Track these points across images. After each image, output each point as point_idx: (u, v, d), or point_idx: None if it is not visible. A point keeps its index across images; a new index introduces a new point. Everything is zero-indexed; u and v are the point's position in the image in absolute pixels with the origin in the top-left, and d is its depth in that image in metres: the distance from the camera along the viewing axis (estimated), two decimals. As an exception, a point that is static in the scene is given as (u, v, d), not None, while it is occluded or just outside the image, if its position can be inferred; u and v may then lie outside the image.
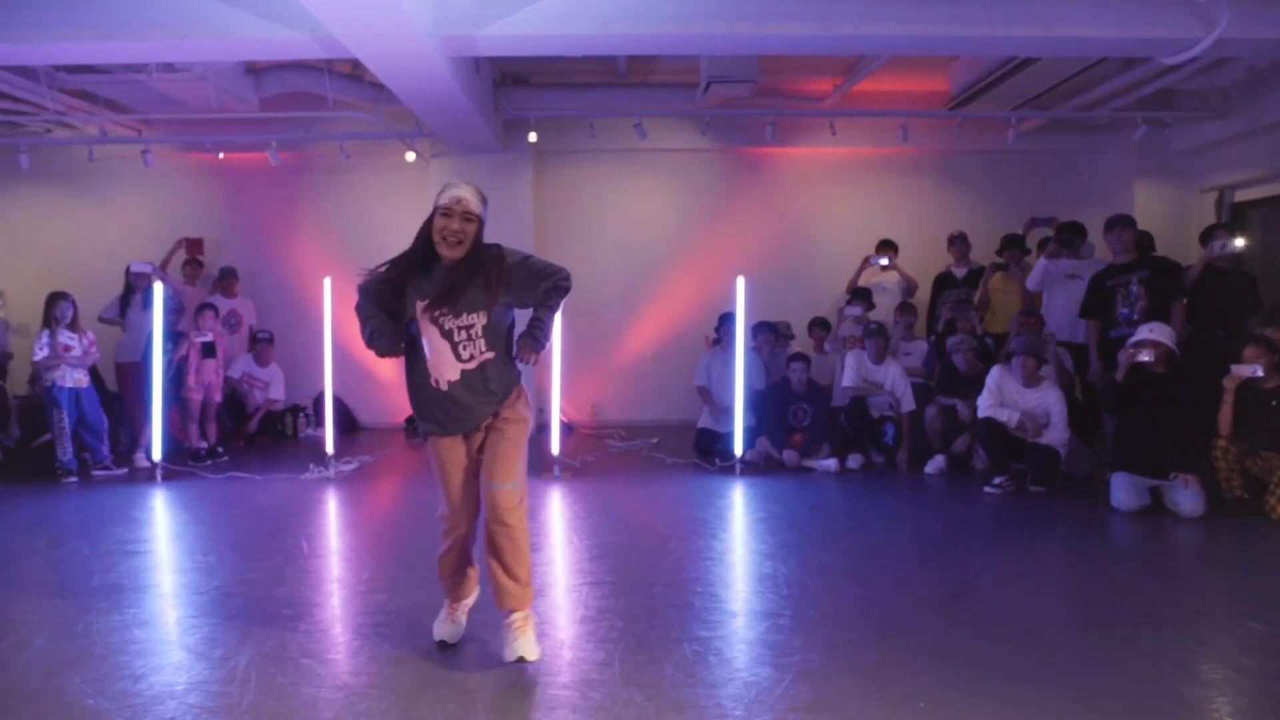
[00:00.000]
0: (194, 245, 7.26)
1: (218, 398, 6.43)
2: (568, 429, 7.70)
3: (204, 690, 2.40)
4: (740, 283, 5.82)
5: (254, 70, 6.44)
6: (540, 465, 5.74)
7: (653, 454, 6.56)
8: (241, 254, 7.77)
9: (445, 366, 2.49)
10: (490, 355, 2.50)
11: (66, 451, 5.72)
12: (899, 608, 3.09)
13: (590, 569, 3.61)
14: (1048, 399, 5.19)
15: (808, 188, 8.02)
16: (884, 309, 7.11)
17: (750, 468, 5.88)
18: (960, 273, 7.09)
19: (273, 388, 7.18)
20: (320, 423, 6.75)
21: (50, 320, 5.76)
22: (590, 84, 7.10)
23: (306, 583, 3.41)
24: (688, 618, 2.97)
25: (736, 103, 7.14)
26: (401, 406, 7.94)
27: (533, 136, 6.85)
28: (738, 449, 5.79)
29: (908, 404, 5.93)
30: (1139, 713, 2.24)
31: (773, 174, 8.04)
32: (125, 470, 5.90)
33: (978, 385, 5.41)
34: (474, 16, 4.59)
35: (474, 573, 2.78)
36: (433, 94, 5.44)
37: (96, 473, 5.79)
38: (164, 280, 6.35)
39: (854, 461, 5.90)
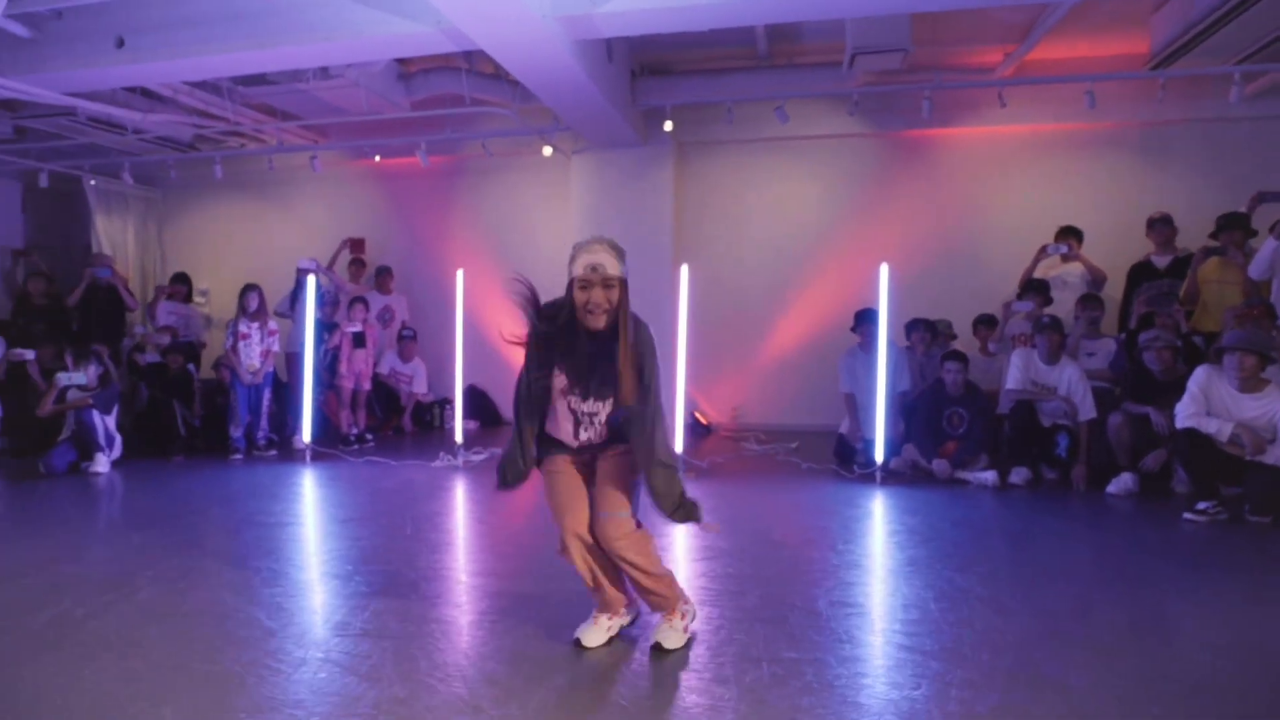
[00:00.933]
0: (356, 245, 7.76)
1: (366, 386, 6.79)
2: (706, 430, 7.42)
3: (258, 659, 2.37)
4: (884, 271, 5.26)
5: (405, 76, 6.75)
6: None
7: (789, 458, 6.10)
8: (398, 252, 8.22)
9: (566, 434, 2.45)
10: (607, 436, 2.43)
11: (238, 430, 6.25)
12: (1041, 647, 2.51)
13: (686, 573, 3.29)
14: (1273, 408, 4.20)
15: (973, 172, 7.20)
16: (1065, 305, 6.18)
17: (894, 477, 5.30)
18: (1162, 262, 6.02)
19: (416, 382, 7.49)
20: (465, 414, 6.93)
21: (239, 310, 6.33)
22: (731, 69, 6.79)
23: (394, 563, 3.38)
24: (776, 634, 2.59)
25: (888, 78, 6.53)
26: (541, 402, 8.01)
27: (668, 125, 6.64)
28: (878, 455, 5.23)
29: (1086, 411, 5.06)
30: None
31: (931, 158, 7.30)
32: (275, 451, 6.34)
33: (1178, 390, 4.50)
34: (591, -5, 4.46)
35: (616, 591, 2.53)
36: (559, 82, 5.39)
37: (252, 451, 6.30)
38: (327, 275, 6.81)
39: (1018, 476, 5.13)
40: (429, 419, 7.82)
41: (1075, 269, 6.40)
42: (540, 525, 3.86)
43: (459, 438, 5.89)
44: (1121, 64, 6.46)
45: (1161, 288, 5.90)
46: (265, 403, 6.39)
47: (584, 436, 2.42)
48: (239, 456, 6.13)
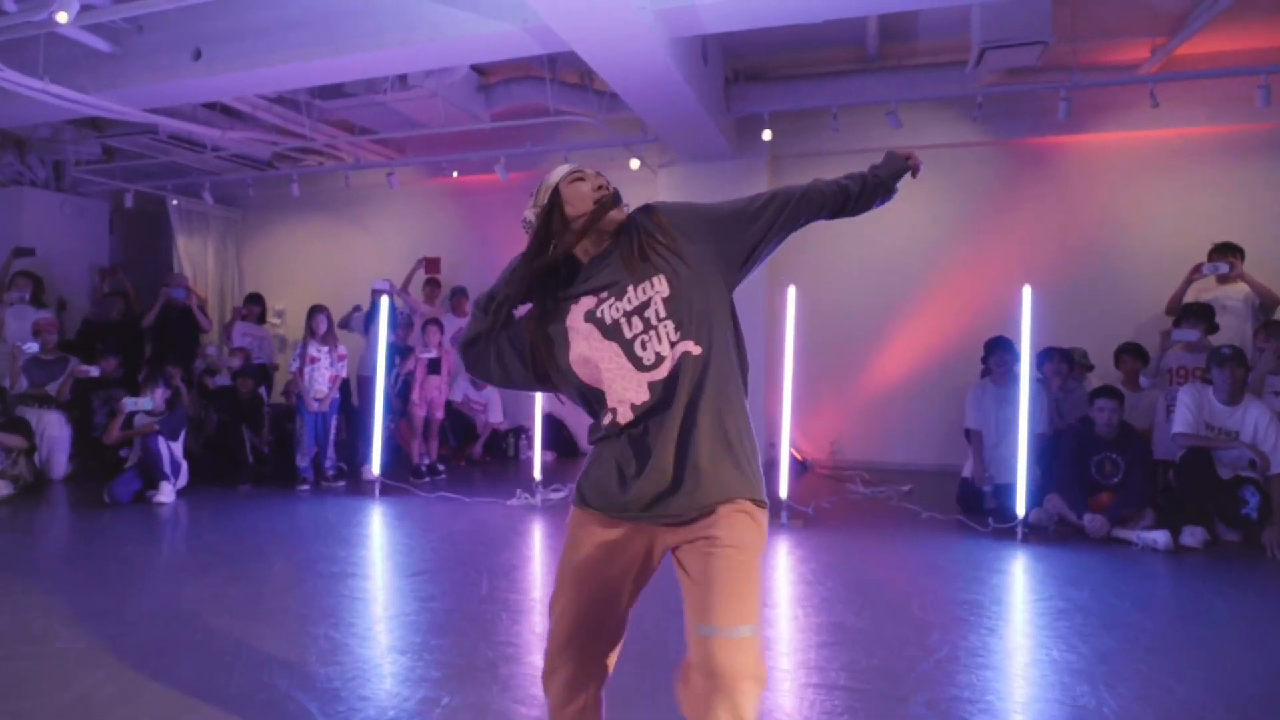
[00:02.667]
0: (432, 264, 7.44)
1: (439, 414, 6.39)
2: (801, 467, 6.77)
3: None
4: (1026, 295, 4.57)
5: (484, 86, 6.41)
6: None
7: (903, 504, 5.40)
8: (475, 272, 7.86)
9: (625, 381, 1.54)
10: (694, 349, 1.51)
11: (304, 460, 5.93)
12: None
13: (818, 662, 2.68)
14: None
15: (1109, 181, 6.38)
16: (1228, 332, 5.32)
17: (1036, 533, 4.55)
18: (1355, 283, 5.12)
19: (490, 411, 7.08)
20: (542, 444, 6.48)
21: (307, 332, 6.05)
22: (835, 73, 6.19)
23: (469, 635, 2.87)
24: (964, 771, 1.96)
25: (1015, 78, 5.83)
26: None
27: (767, 134, 6.08)
28: (1019, 507, 4.50)
29: (1279, 462, 4.25)
30: None
31: (1060, 167, 6.51)
32: (344, 482, 5.99)
33: None
34: (695, -17, 3.97)
35: None
36: (654, 87, 4.91)
37: (321, 482, 5.98)
38: (401, 297, 6.49)
39: (1191, 537, 4.32)
40: (504, 448, 7.41)
41: (1237, 291, 5.52)
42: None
43: (537, 474, 5.41)
44: (1294, 56, 5.61)
45: (1356, 313, 5.02)
46: (333, 430, 6.06)
47: (649, 357, 1.51)
48: (306, 487, 5.80)
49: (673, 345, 1.52)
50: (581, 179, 1.66)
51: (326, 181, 8.15)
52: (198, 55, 5.12)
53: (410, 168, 7.85)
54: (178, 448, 5.47)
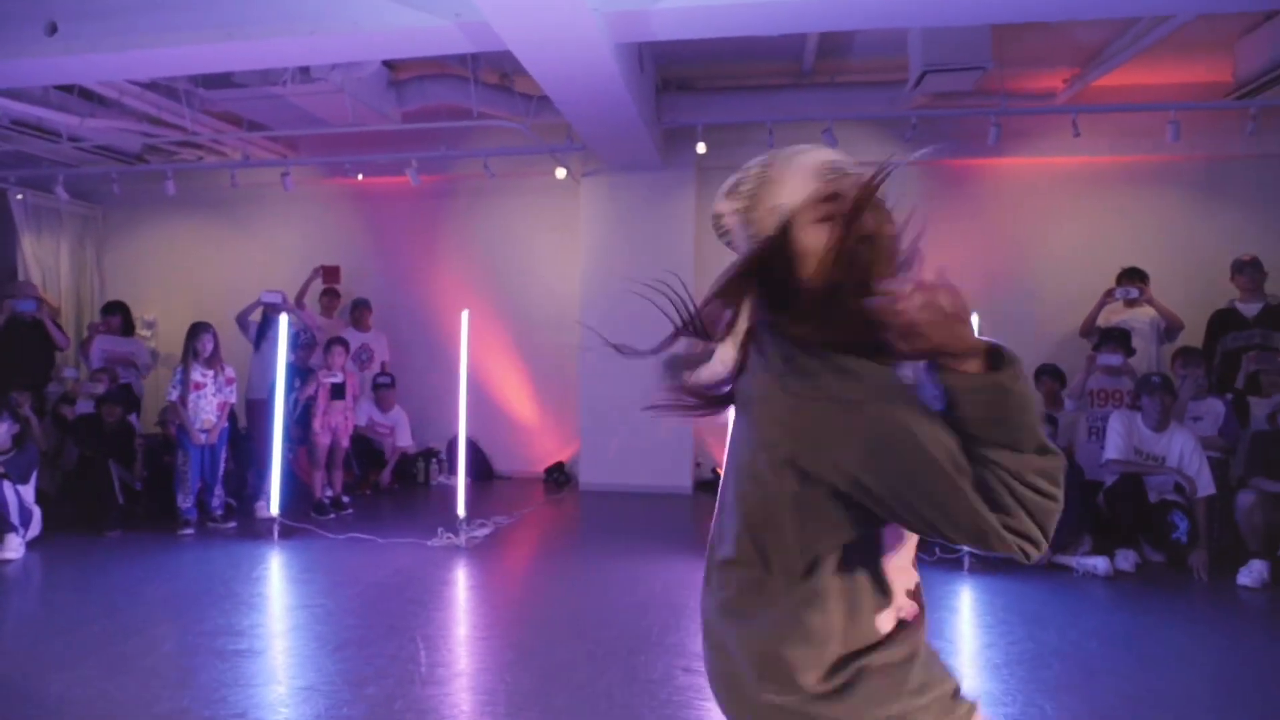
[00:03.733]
0: (330, 273, 6.78)
1: (345, 443, 5.78)
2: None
3: None
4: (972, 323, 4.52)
5: (396, 83, 5.86)
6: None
7: (839, 530, 5.29)
8: (379, 283, 7.26)
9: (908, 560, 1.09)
10: (737, 563, 1.07)
11: (188, 499, 5.22)
12: None
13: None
14: None
15: (1028, 206, 6.55)
16: (1136, 353, 5.56)
17: (980, 561, 4.52)
18: (1251, 310, 5.42)
19: (399, 434, 6.52)
20: (454, 469, 5.98)
21: (188, 354, 5.31)
22: (767, 86, 6.05)
23: (419, 736, 2.45)
24: None
25: (945, 101, 5.86)
26: (541, 455, 7.11)
27: (701, 147, 5.85)
28: (964, 537, 4.46)
29: (1205, 486, 4.38)
30: None
31: (983, 191, 6.63)
32: (234, 523, 5.32)
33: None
34: (650, -14, 3.66)
35: None
36: (593, 91, 4.57)
37: (208, 524, 5.27)
38: (292, 312, 5.82)
39: (1125, 561, 4.41)
40: (413, 473, 6.84)
41: (1143, 315, 5.79)
42: (584, 634, 2.98)
43: (461, 510, 4.94)
44: (1196, 92, 5.91)
45: (1253, 338, 5.31)
46: (221, 463, 5.36)
47: (720, 553, 1.12)
48: (190, 531, 5.08)
49: (723, 544, 1.15)
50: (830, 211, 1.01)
51: (208, 179, 7.30)
52: (53, 30, 4.35)
53: (307, 167, 7.14)
54: (28, 492, 4.65)
